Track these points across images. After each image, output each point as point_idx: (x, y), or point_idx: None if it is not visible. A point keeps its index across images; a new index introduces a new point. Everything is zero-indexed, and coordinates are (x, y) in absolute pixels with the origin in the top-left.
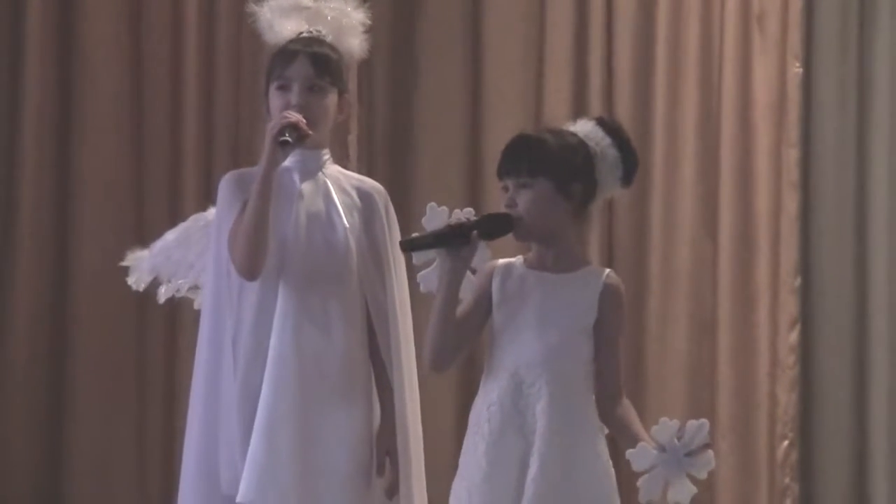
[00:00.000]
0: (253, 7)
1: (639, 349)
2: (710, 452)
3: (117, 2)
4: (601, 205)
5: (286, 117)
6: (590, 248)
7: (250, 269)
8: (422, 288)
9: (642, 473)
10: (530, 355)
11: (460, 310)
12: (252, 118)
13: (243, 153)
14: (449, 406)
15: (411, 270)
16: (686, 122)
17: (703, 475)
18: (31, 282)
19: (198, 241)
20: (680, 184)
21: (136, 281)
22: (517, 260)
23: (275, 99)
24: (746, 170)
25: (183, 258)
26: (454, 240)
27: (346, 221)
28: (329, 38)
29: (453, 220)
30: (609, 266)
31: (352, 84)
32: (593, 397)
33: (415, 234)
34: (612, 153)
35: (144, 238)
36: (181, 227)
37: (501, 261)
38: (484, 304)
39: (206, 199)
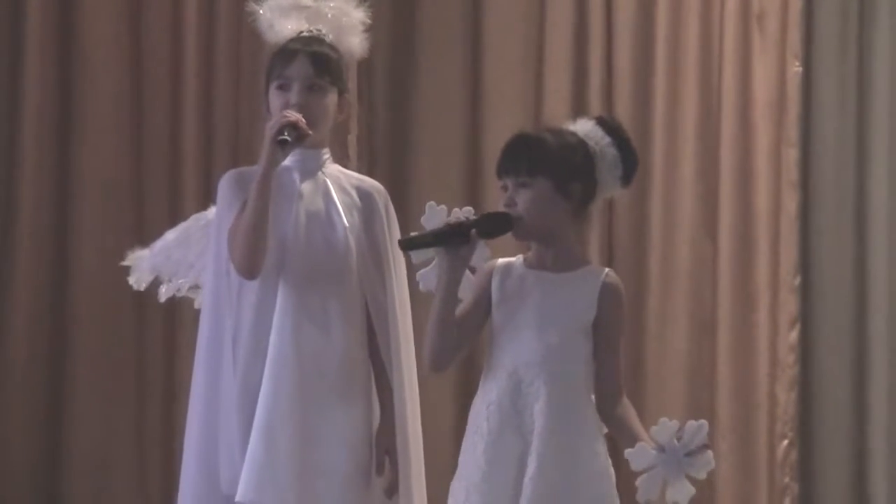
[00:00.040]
0: (253, 6)
1: (638, 349)
2: (710, 453)
3: (117, 2)
4: (601, 204)
5: (286, 116)
6: (590, 248)
7: (250, 268)
8: (421, 287)
9: (641, 473)
10: (529, 355)
11: (460, 309)
12: (252, 118)
13: (243, 153)
14: (448, 406)
15: (411, 270)
16: (686, 121)
17: (701, 476)
18: (31, 281)
19: (198, 241)
20: (680, 183)
21: (137, 280)
22: (517, 259)
23: (274, 98)
24: (746, 169)
25: (183, 257)
26: (453, 239)
27: (345, 221)
28: (329, 38)
29: (452, 218)
30: (609, 266)
31: (352, 84)
32: (592, 397)
33: (414, 233)
34: (612, 153)
35: (144, 238)
36: (181, 226)
37: (501, 260)
38: (483, 303)
39: (206, 198)
